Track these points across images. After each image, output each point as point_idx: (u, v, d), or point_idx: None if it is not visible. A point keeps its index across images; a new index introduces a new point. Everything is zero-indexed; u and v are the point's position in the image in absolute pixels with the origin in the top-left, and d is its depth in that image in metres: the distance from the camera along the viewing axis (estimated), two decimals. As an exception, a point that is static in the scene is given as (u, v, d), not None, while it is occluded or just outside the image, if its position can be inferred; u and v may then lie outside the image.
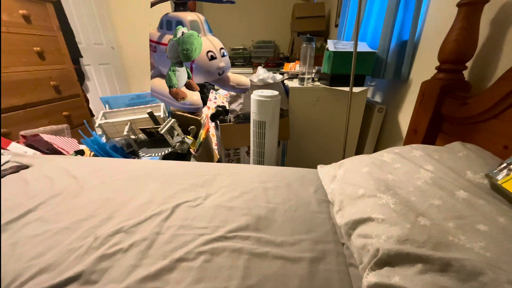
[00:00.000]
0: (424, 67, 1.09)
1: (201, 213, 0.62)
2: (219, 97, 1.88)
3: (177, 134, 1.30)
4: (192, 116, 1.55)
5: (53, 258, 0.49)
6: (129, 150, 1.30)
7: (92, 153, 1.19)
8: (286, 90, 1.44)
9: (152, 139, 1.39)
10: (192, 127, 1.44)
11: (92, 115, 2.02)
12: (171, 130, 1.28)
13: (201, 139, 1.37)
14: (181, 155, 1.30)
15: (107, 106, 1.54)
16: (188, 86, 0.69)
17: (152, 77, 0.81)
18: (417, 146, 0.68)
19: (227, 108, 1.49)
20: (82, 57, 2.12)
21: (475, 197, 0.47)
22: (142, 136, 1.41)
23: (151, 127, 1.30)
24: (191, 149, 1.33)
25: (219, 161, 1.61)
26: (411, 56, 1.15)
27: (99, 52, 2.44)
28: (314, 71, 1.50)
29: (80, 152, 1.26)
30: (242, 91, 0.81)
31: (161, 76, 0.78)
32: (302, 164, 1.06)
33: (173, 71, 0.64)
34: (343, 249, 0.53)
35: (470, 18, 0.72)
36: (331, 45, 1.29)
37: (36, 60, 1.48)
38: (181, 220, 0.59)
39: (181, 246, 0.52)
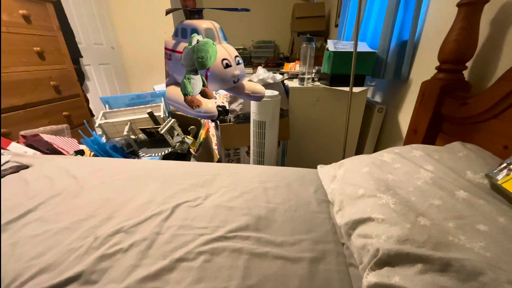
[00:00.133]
0: (424, 67, 1.09)
1: (201, 213, 0.62)
2: (219, 97, 1.88)
3: (177, 134, 1.30)
4: (192, 116, 1.55)
5: (53, 258, 0.49)
6: (129, 150, 1.30)
7: (92, 153, 1.19)
8: (286, 90, 1.44)
9: (152, 139, 1.39)
10: (192, 127, 1.44)
11: (92, 115, 2.02)
12: (171, 130, 1.28)
13: (201, 139, 1.37)
14: (181, 155, 1.30)
15: (107, 106, 1.54)
16: (203, 94, 0.70)
17: (167, 85, 0.81)
18: (417, 146, 0.68)
19: (227, 108, 1.49)
20: (82, 57, 2.12)
21: (475, 197, 0.47)
22: (142, 136, 1.41)
23: (151, 127, 1.30)
24: (191, 149, 1.33)
25: (219, 161, 1.61)
26: (411, 56, 1.15)
27: (99, 52, 2.44)
28: (314, 71, 1.50)
29: (80, 152, 1.26)
30: (257, 99, 0.81)
31: (176, 84, 0.78)
32: (302, 164, 1.06)
33: (188, 79, 0.65)
34: (343, 249, 0.53)
35: (470, 18, 0.72)
36: (331, 45, 1.29)
37: (36, 60, 1.48)
38: (181, 220, 0.59)
39: (181, 246, 0.52)
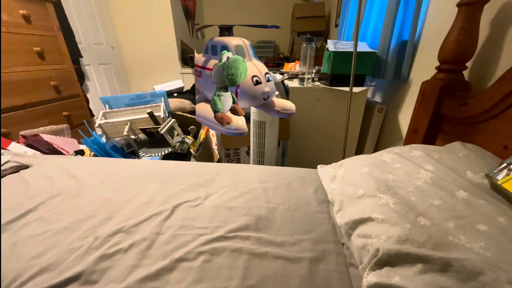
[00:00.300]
0: (424, 67, 1.09)
1: (201, 213, 0.62)
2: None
3: (177, 134, 1.30)
4: (192, 116, 1.55)
5: (53, 258, 0.49)
6: (129, 150, 1.30)
7: (92, 153, 1.19)
8: (286, 90, 1.44)
9: (152, 139, 1.39)
10: (192, 127, 1.44)
11: (92, 115, 2.02)
12: (171, 130, 1.28)
13: (201, 139, 1.37)
14: (181, 155, 1.30)
15: (107, 106, 1.54)
16: (233, 111, 0.70)
17: (197, 102, 0.82)
18: (417, 146, 0.68)
19: (227, 108, 1.48)
20: (82, 57, 2.12)
21: (475, 197, 0.47)
22: (142, 136, 1.41)
23: (151, 127, 1.30)
24: (191, 149, 1.33)
25: (219, 161, 1.61)
26: (411, 56, 1.15)
27: (99, 52, 2.44)
28: (314, 71, 1.49)
29: (80, 152, 1.26)
30: (287, 116, 0.82)
31: (206, 101, 0.79)
32: (302, 164, 1.06)
33: (218, 96, 0.65)
34: (343, 249, 0.53)
35: (470, 18, 0.72)
36: (331, 45, 1.29)
37: (36, 60, 1.48)
38: (181, 220, 0.59)
39: (181, 246, 0.52)
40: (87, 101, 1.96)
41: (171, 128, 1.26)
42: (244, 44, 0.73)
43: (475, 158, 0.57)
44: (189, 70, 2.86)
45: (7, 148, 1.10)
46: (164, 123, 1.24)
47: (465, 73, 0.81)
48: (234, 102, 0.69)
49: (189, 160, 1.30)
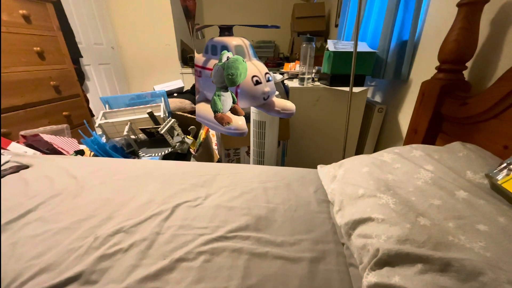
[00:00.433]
0: (424, 67, 1.09)
1: (201, 213, 0.62)
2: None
3: (177, 134, 1.30)
4: (192, 116, 1.55)
5: (53, 258, 0.49)
6: (129, 150, 1.30)
7: (92, 153, 1.19)
8: (286, 90, 1.44)
9: (152, 139, 1.39)
10: (192, 127, 1.44)
11: (92, 115, 2.02)
12: (171, 130, 1.28)
13: (201, 139, 1.37)
14: (181, 155, 1.30)
15: (107, 106, 1.54)
16: (233, 111, 0.70)
17: (197, 102, 0.82)
18: (417, 146, 0.68)
19: (227, 108, 1.49)
20: (82, 57, 2.12)
21: (475, 197, 0.47)
22: (142, 136, 1.41)
23: (151, 127, 1.30)
24: (191, 149, 1.33)
25: (219, 161, 1.61)
26: (411, 56, 1.15)
27: (99, 52, 2.44)
28: (314, 71, 1.50)
29: (80, 152, 1.26)
30: (287, 116, 0.82)
31: (206, 101, 0.79)
32: (302, 164, 1.06)
33: (218, 96, 0.65)
34: (343, 249, 0.53)
35: (470, 18, 0.72)
36: (331, 45, 1.29)
37: (36, 60, 1.48)
38: (181, 220, 0.59)
39: (181, 246, 0.52)
40: (87, 101, 1.96)
41: (171, 128, 1.26)
42: (244, 44, 0.73)
43: (475, 158, 0.57)
44: (189, 70, 2.86)
45: (7, 148, 1.10)
46: (164, 123, 1.24)
47: (465, 73, 0.81)
48: (234, 102, 0.69)
49: (189, 160, 1.30)
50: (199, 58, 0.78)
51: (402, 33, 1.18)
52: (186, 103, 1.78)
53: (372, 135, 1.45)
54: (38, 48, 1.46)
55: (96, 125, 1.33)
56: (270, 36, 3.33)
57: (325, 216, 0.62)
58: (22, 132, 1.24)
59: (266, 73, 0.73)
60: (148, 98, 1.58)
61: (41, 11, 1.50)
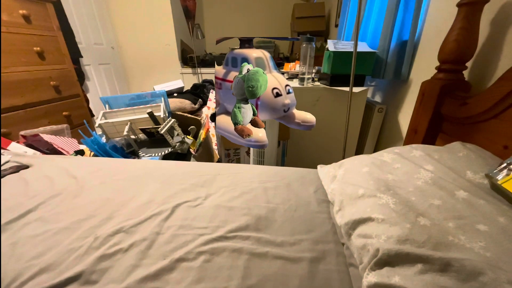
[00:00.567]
0: (424, 67, 1.09)
1: (201, 213, 0.62)
2: (219, 97, 1.88)
3: (177, 134, 1.30)
4: (192, 116, 1.55)
5: (53, 258, 0.49)
6: (129, 150, 1.30)
7: (92, 153, 1.19)
8: (286, 90, 1.44)
9: (152, 139, 1.39)
10: (192, 127, 1.44)
11: (92, 115, 2.02)
12: (171, 130, 1.28)
13: (201, 139, 1.37)
14: (181, 155, 1.30)
15: (107, 106, 1.54)
16: (253, 123, 0.70)
17: (217, 114, 0.82)
18: (417, 146, 0.68)
19: (227, 108, 1.49)
20: (82, 57, 2.12)
21: (475, 197, 0.47)
22: (142, 136, 1.41)
23: (151, 127, 1.30)
24: (191, 149, 1.33)
25: (219, 161, 1.61)
26: (411, 56, 1.15)
27: (99, 52, 2.44)
28: (314, 71, 1.50)
29: (80, 152, 1.26)
30: (307, 128, 0.81)
31: (226, 113, 0.79)
32: (302, 164, 1.06)
33: (238, 108, 0.65)
34: (343, 249, 0.53)
35: (470, 18, 0.72)
36: (331, 45, 1.29)
37: (36, 60, 1.48)
38: (181, 220, 0.59)
39: (181, 246, 0.52)
40: (87, 101, 1.96)
41: (171, 128, 1.26)
42: (264, 56, 0.73)
43: (475, 158, 0.57)
44: (189, 70, 2.86)
45: (7, 148, 1.10)
46: (164, 123, 1.24)
47: (465, 73, 0.81)
48: (254, 114, 0.69)
49: (189, 160, 1.30)
50: (219, 70, 0.77)
51: (402, 33, 1.18)
52: (186, 103, 1.78)
53: (372, 135, 1.45)
54: (38, 48, 1.46)
55: (96, 125, 1.33)
56: (270, 36, 3.33)
57: (325, 216, 0.62)
58: (22, 132, 1.24)
59: (287, 85, 0.73)
60: (148, 98, 1.58)
61: (41, 11, 1.50)
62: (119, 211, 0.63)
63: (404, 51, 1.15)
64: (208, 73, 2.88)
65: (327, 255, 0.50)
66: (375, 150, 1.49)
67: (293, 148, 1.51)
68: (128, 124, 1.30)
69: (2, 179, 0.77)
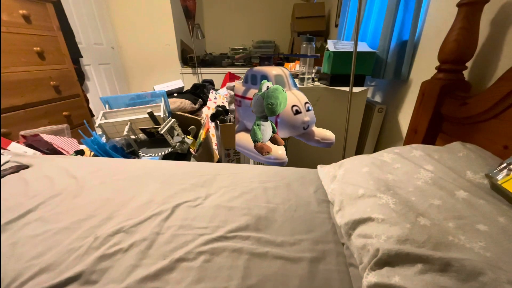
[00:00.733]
0: (424, 67, 1.09)
1: (201, 213, 0.62)
2: (219, 97, 1.88)
3: (177, 134, 1.30)
4: (192, 116, 1.55)
5: (53, 258, 0.49)
6: (129, 150, 1.30)
7: (92, 153, 1.19)
8: (286, 90, 1.44)
9: (152, 139, 1.39)
10: (192, 127, 1.44)
11: (92, 115, 2.02)
12: (171, 130, 1.28)
13: (201, 139, 1.37)
14: (181, 155, 1.30)
15: (107, 106, 1.54)
16: (273, 140, 0.70)
17: (237, 132, 0.82)
18: (417, 146, 0.68)
19: (227, 108, 1.49)
20: (82, 57, 2.12)
21: (475, 197, 0.47)
22: (142, 136, 1.41)
23: (151, 127, 1.30)
24: (191, 149, 1.33)
25: (219, 161, 1.61)
26: (411, 56, 1.15)
27: (99, 52, 2.44)
28: (314, 71, 1.50)
29: (80, 152, 1.26)
30: (327, 145, 0.81)
31: (246, 130, 0.79)
32: (302, 164, 1.05)
33: (258, 125, 0.65)
34: (343, 249, 0.53)
35: (470, 18, 0.72)
36: (331, 45, 1.29)
37: (36, 60, 1.48)
38: (181, 220, 0.59)
39: (181, 246, 0.52)
40: (87, 101, 1.96)
41: (171, 128, 1.26)
42: (283, 74, 0.73)
43: (475, 158, 0.57)
44: (189, 70, 2.86)
45: (7, 148, 1.10)
46: (164, 123, 1.24)
47: (465, 73, 0.81)
48: (274, 131, 0.69)
49: (189, 160, 1.30)
50: (238, 87, 0.77)
51: (402, 33, 1.18)
52: (186, 103, 1.78)
53: (372, 135, 1.45)
54: (38, 48, 1.46)
55: (96, 125, 1.33)
56: (270, 36, 3.32)
57: (325, 216, 0.62)
58: (22, 132, 1.24)
59: (306, 102, 0.72)
60: (148, 98, 1.58)
61: (41, 11, 1.50)
62: (119, 211, 0.63)
63: (404, 51, 1.15)
64: (208, 73, 2.88)
65: (327, 255, 0.50)
66: (375, 150, 1.49)
67: (293, 148, 1.51)
68: (128, 124, 1.30)
69: (2, 179, 0.77)
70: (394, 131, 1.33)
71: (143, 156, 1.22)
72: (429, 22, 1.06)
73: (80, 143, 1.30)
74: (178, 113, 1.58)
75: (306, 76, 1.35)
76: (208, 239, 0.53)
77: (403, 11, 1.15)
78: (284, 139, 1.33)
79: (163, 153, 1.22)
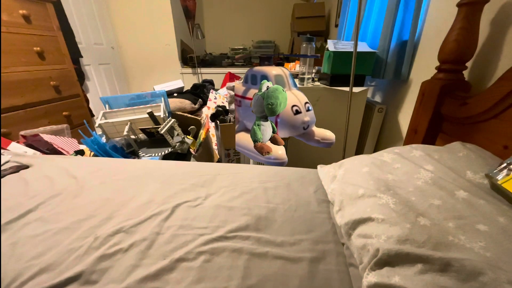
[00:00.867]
0: (424, 67, 1.09)
1: (201, 213, 0.62)
2: (219, 97, 1.88)
3: (177, 134, 1.30)
4: (192, 116, 1.55)
5: (53, 258, 0.49)
6: (129, 150, 1.30)
7: (92, 153, 1.19)
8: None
9: (152, 139, 1.39)
10: (192, 127, 1.44)
11: (92, 115, 2.02)
12: (171, 130, 1.28)
13: (201, 139, 1.37)
14: (181, 155, 1.30)
15: (107, 106, 1.54)
16: (273, 140, 0.70)
17: (237, 132, 0.82)
18: (417, 146, 0.68)
19: (227, 108, 1.49)
20: (82, 57, 2.12)
21: (475, 197, 0.47)
22: (142, 136, 1.41)
23: (151, 127, 1.30)
24: (191, 149, 1.33)
25: (219, 161, 1.61)
26: (411, 56, 1.15)
27: (99, 52, 2.44)
28: (314, 71, 1.50)
29: (80, 152, 1.26)
30: (327, 145, 0.81)
31: (246, 130, 0.79)
32: (302, 164, 1.06)
33: (258, 125, 0.65)
34: (343, 249, 0.53)
35: (470, 18, 0.72)
36: (331, 45, 1.29)
37: (36, 60, 1.48)
38: (181, 220, 0.59)
39: (181, 246, 0.52)
40: (87, 101, 1.96)
41: (171, 128, 1.26)
42: (283, 74, 0.73)
43: (475, 158, 0.57)
44: (189, 70, 2.86)
45: (7, 148, 1.10)
46: (164, 123, 1.24)
47: (465, 73, 0.81)
48: (274, 131, 0.69)
49: (189, 160, 1.30)
50: (238, 87, 0.77)
51: (402, 33, 1.18)
52: (186, 103, 1.78)
53: (372, 135, 1.45)
54: (38, 48, 1.46)
55: (96, 125, 1.33)
56: (270, 36, 3.32)
57: (325, 216, 0.62)
58: (22, 132, 1.24)
59: (306, 102, 0.72)
60: (148, 98, 1.58)
61: (41, 11, 1.50)
62: (119, 211, 0.63)
63: (404, 51, 1.15)
64: (208, 73, 2.88)
65: (327, 255, 0.50)
66: (375, 150, 1.49)
67: (293, 148, 1.51)
68: (128, 124, 1.30)
69: (2, 179, 0.77)
70: (394, 131, 1.33)
71: (143, 156, 1.22)
72: (429, 22, 1.06)
73: (80, 143, 1.30)
74: (178, 113, 1.58)
75: (306, 76, 1.35)
76: (208, 239, 0.53)
77: (403, 11, 1.15)
78: (284, 139, 1.33)
79: (163, 153, 1.22)
